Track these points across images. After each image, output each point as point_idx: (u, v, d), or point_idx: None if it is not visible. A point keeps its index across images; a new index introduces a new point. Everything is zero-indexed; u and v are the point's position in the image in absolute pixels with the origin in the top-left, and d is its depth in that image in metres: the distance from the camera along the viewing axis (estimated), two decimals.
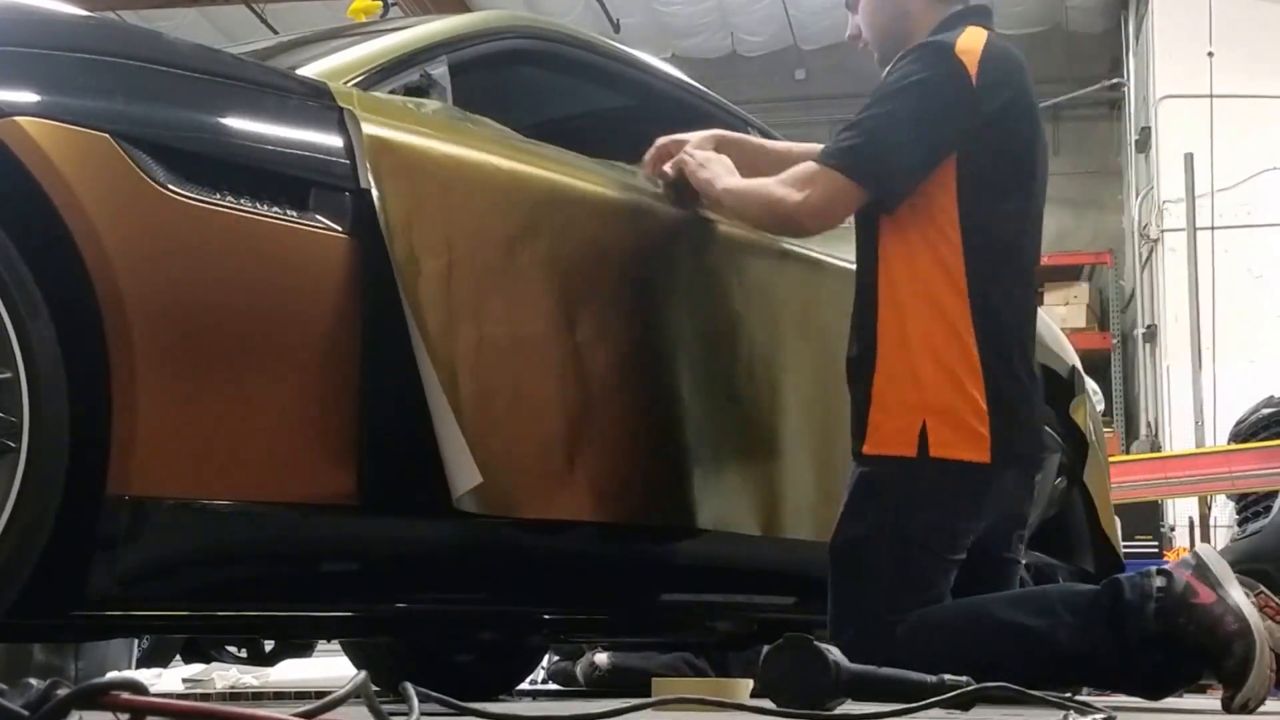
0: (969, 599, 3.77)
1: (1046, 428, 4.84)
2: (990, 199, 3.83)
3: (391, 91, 3.51)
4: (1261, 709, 3.44)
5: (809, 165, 3.87)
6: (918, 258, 3.79)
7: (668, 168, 4.06)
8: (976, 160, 3.80)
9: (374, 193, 3.10)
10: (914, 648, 3.56)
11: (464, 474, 3.15)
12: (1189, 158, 12.18)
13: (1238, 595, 3.50)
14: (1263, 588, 3.60)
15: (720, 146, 4.14)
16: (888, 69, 3.97)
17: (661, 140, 4.12)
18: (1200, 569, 3.55)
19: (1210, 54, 11.81)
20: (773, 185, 3.90)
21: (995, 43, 3.88)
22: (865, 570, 3.74)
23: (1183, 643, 3.51)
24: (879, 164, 3.80)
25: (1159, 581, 3.55)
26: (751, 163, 4.11)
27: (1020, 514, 4.02)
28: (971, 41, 3.83)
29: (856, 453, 3.83)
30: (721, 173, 3.99)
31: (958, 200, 3.79)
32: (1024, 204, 3.92)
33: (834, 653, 3.12)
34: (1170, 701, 3.64)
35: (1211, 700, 3.63)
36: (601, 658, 6.68)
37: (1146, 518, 11.53)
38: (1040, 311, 5.35)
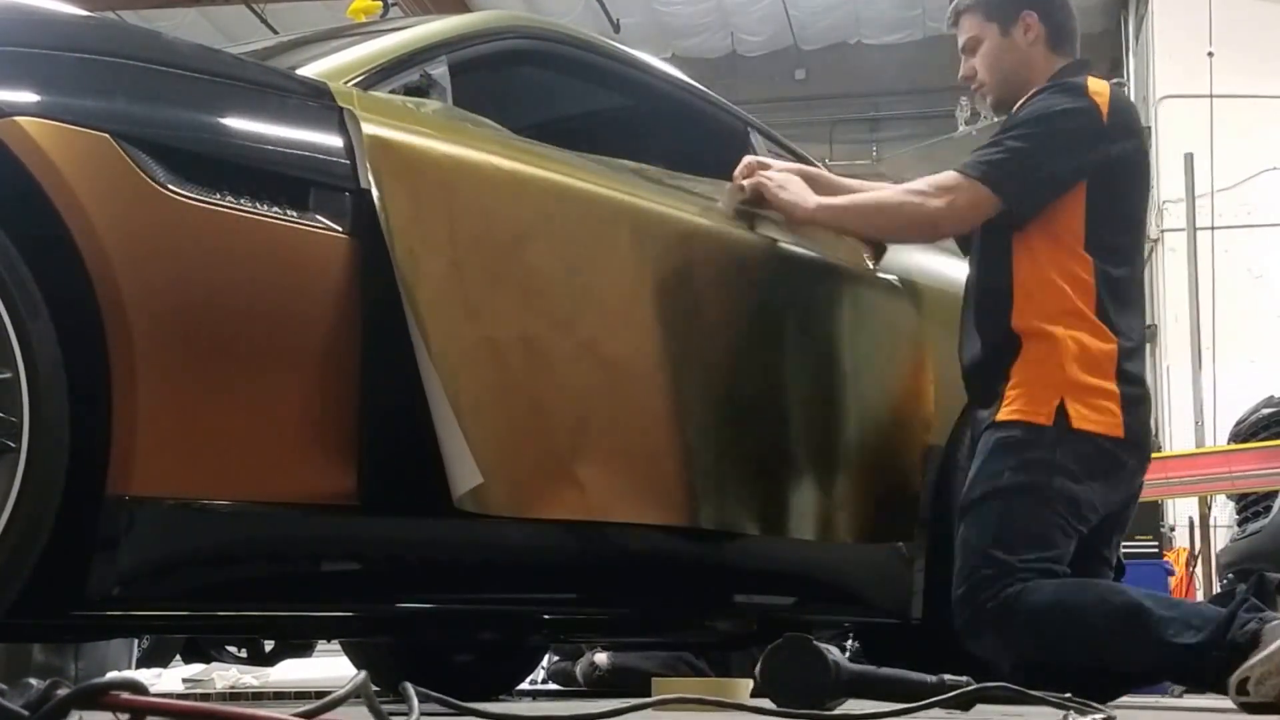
0: (1104, 581, 4.08)
1: None
2: (1111, 227, 4.12)
3: (391, 92, 3.51)
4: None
5: (950, 175, 4.14)
6: (1048, 271, 4.07)
7: (744, 183, 4.27)
8: (1102, 190, 4.10)
9: (374, 193, 3.10)
10: (1035, 603, 3.81)
11: (465, 474, 3.15)
12: (1189, 158, 12.18)
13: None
14: None
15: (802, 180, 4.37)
16: (1021, 102, 4.23)
17: (749, 159, 4.38)
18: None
19: (1210, 54, 11.81)
20: (903, 194, 4.25)
21: (1118, 92, 4.25)
22: (994, 519, 3.96)
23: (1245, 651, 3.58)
24: (1021, 181, 4.09)
25: None
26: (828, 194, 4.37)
27: (1125, 515, 4.25)
28: (1100, 87, 4.16)
29: (989, 422, 4.09)
30: (805, 192, 4.26)
31: (1085, 224, 4.08)
32: (1137, 235, 4.31)
33: (833, 653, 3.12)
34: (1171, 701, 3.64)
35: (1211, 700, 3.63)
36: (601, 658, 6.68)
37: (1147, 518, 11.50)
38: None
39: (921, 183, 4.20)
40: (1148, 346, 4.31)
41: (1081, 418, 3.96)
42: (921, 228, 4.28)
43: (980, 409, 4.18)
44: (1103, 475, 4.01)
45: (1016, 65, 4.27)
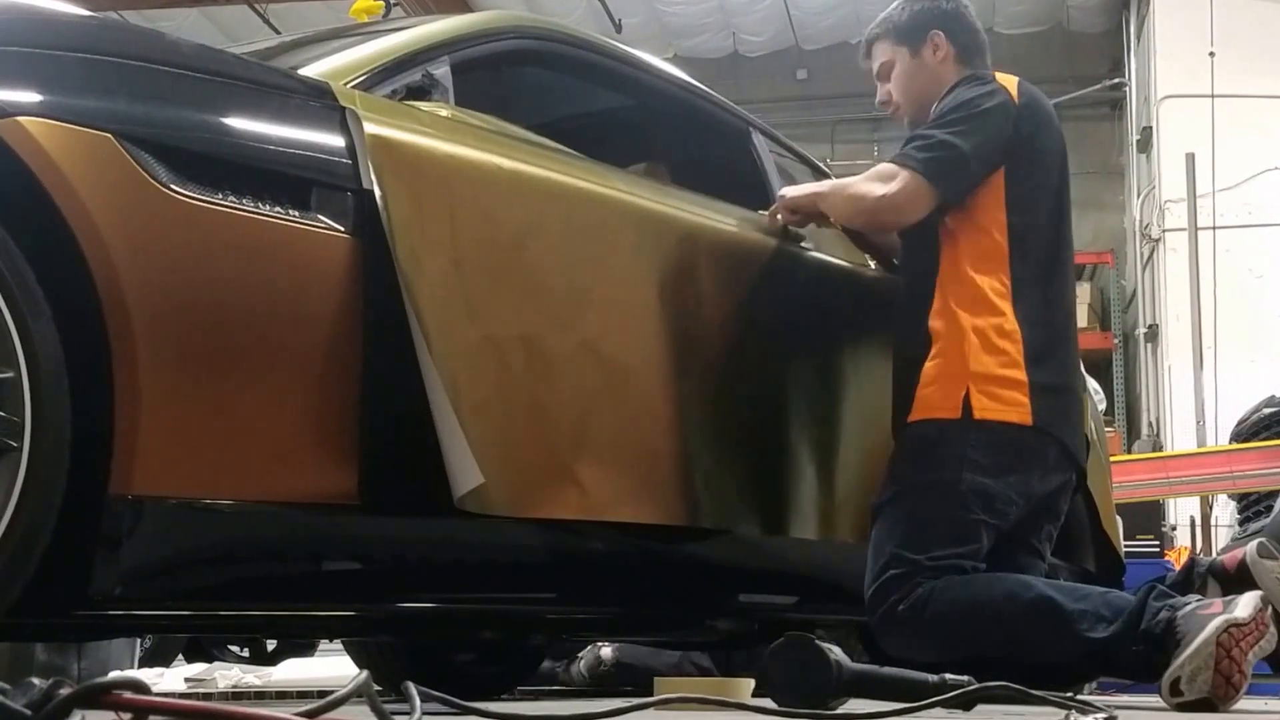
0: (1014, 575, 3.97)
1: None
2: (1030, 214, 4.17)
3: (393, 91, 3.51)
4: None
5: (889, 165, 4.20)
6: (963, 262, 4.11)
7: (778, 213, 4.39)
8: (1019, 175, 4.17)
9: (376, 192, 3.10)
10: (945, 601, 3.85)
11: (465, 474, 3.15)
12: (1190, 157, 12.17)
13: (1244, 609, 3.59)
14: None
15: None
16: (940, 101, 4.29)
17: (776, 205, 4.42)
18: (1230, 598, 3.66)
19: (1211, 54, 11.80)
20: (858, 181, 4.27)
21: (1026, 84, 4.31)
22: (904, 518, 4.00)
23: (1171, 643, 3.59)
24: (951, 171, 4.11)
25: (1194, 598, 3.70)
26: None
27: (1056, 507, 4.24)
28: (1007, 78, 4.28)
29: (900, 426, 4.13)
30: (818, 186, 4.44)
31: (1006, 208, 4.14)
32: (1055, 229, 4.25)
33: (835, 652, 3.12)
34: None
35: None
36: (606, 651, 6.68)
37: (1148, 517, 11.49)
38: None
39: (872, 171, 4.27)
40: (1073, 343, 4.37)
41: (985, 408, 3.99)
42: (868, 217, 4.32)
43: (897, 417, 4.18)
44: (1019, 466, 4.04)
45: (928, 83, 4.38)
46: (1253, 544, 4.04)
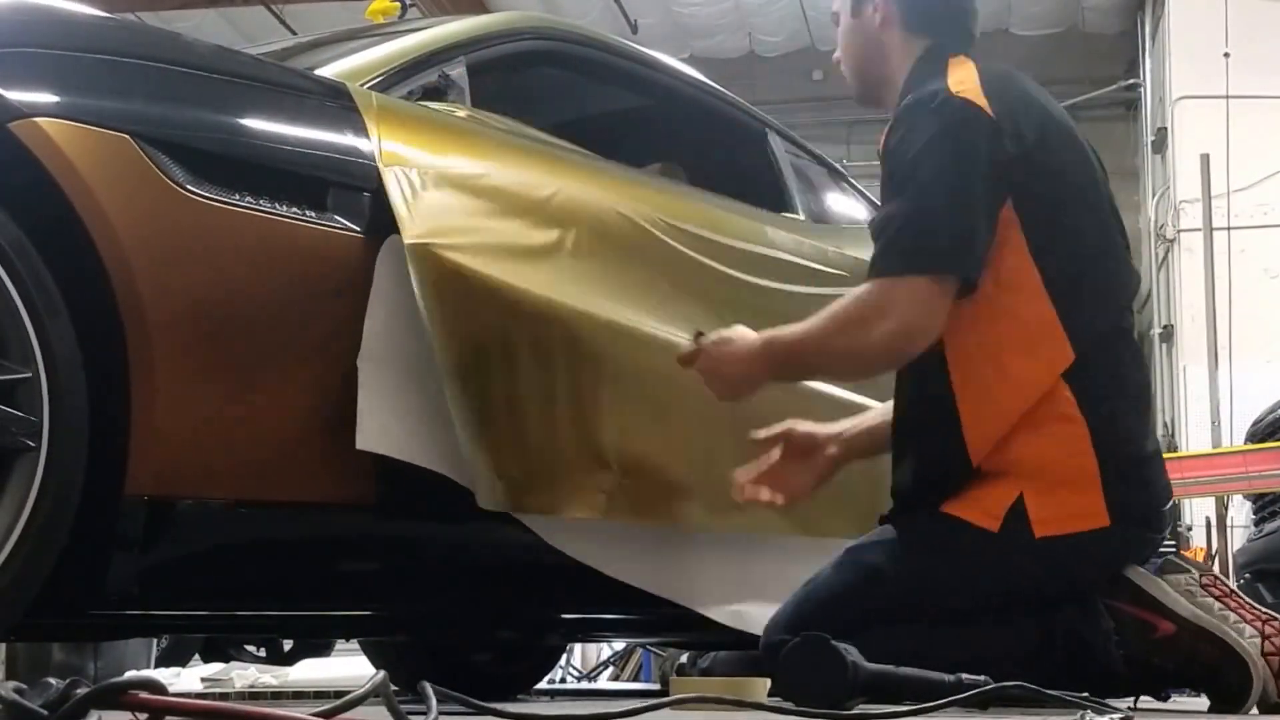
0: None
1: None
2: (1062, 231, 3.35)
3: (410, 92, 3.51)
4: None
5: (870, 289, 3.27)
6: (1000, 352, 3.30)
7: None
8: (1031, 195, 3.30)
9: (387, 185, 3.10)
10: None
11: (480, 474, 3.13)
12: (1205, 158, 12.16)
13: (1191, 608, 3.35)
14: (1201, 570, 3.42)
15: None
16: (885, 133, 3.40)
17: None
18: (1137, 595, 3.35)
19: (1226, 55, 11.81)
20: (834, 332, 3.31)
21: (987, 68, 3.40)
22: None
23: (1165, 679, 3.38)
24: (951, 241, 3.24)
25: (1108, 623, 3.34)
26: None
27: None
28: (963, 75, 3.34)
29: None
30: (785, 339, 3.41)
31: (1029, 248, 3.28)
32: (1098, 222, 3.45)
33: (852, 653, 3.12)
34: (1189, 702, 3.62)
35: None
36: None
37: None
38: None
39: (846, 304, 3.30)
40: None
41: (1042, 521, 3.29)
42: (874, 365, 3.47)
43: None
44: None
45: (867, 51, 3.54)
46: None
